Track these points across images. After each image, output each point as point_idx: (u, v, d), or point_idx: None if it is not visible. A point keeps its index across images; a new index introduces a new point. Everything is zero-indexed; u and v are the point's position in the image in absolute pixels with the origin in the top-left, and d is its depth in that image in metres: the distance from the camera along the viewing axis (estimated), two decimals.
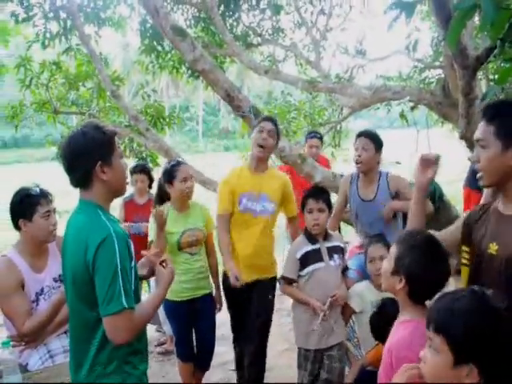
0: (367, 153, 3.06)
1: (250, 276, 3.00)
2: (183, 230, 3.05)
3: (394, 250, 1.68)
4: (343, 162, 11.73)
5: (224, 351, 3.51)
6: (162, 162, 6.37)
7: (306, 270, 2.72)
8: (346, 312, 2.80)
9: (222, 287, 3.21)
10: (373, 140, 3.09)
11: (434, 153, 1.76)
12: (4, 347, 2.20)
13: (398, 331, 1.62)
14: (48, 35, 6.26)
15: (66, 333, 2.44)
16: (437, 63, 7.60)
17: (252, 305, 3.03)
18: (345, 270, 2.86)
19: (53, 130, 9.69)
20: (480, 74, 4.17)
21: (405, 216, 3.21)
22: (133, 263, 1.69)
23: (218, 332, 3.32)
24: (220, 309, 3.27)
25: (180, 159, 3.24)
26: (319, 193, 2.78)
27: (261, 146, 2.95)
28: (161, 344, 4.29)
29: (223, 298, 3.24)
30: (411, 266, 1.58)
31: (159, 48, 7.26)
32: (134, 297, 1.68)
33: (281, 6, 8.10)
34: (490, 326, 1.22)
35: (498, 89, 2.36)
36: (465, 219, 1.81)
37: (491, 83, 4.79)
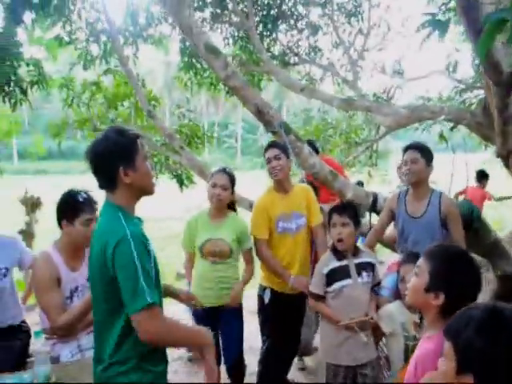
0: (417, 165, 2.94)
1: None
2: (207, 239, 3.08)
3: (425, 265, 1.65)
4: (381, 182, 11.54)
5: (251, 362, 3.47)
6: (197, 180, 6.48)
7: (333, 287, 2.68)
8: (378, 333, 2.71)
9: (267, 299, 3.24)
10: (421, 152, 2.97)
11: None
12: (36, 337, 2.41)
13: (424, 345, 1.61)
14: (89, 57, 6.61)
15: None
16: (478, 84, 7.43)
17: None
18: (375, 286, 2.79)
19: None
20: None
21: None
22: (152, 263, 1.70)
23: (246, 344, 3.32)
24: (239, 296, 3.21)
25: (227, 168, 3.26)
26: (344, 207, 2.74)
27: (273, 173, 3.15)
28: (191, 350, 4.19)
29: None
30: (450, 281, 1.56)
31: (198, 65, 7.44)
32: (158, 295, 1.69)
33: (319, 26, 8.16)
34: (495, 340, 1.17)
35: None
36: None
37: None
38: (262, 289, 3.30)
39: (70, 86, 6.76)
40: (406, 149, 3.03)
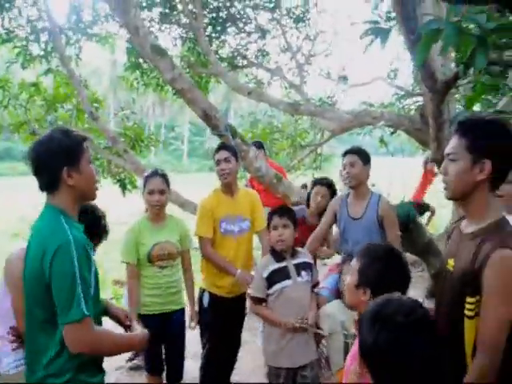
0: (355, 168, 3.06)
1: (239, 290, 3.18)
2: (154, 243, 3.01)
3: (356, 263, 1.73)
4: None
5: (194, 368, 3.43)
6: (141, 184, 6.33)
7: (273, 288, 2.69)
8: (318, 333, 2.75)
9: (205, 303, 3.21)
10: (358, 155, 3.09)
11: None
12: None
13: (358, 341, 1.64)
14: (28, 57, 6.31)
15: None
16: (417, 91, 7.80)
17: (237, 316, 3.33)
18: (315, 285, 2.84)
19: None
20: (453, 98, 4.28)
21: None
22: (93, 271, 1.64)
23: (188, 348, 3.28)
24: (195, 326, 3.21)
25: (159, 170, 3.18)
26: (284, 210, 2.80)
27: (222, 175, 3.16)
28: (132, 359, 4.15)
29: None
30: (375, 277, 1.64)
31: (145, 65, 7.31)
32: (94, 306, 1.64)
33: (267, 29, 8.27)
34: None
35: (466, 113, 2.43)
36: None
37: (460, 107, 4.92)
38: (201, 291, 3.28)
39: (6, 86, 6.40)
40: (345, 153, 3.16)
